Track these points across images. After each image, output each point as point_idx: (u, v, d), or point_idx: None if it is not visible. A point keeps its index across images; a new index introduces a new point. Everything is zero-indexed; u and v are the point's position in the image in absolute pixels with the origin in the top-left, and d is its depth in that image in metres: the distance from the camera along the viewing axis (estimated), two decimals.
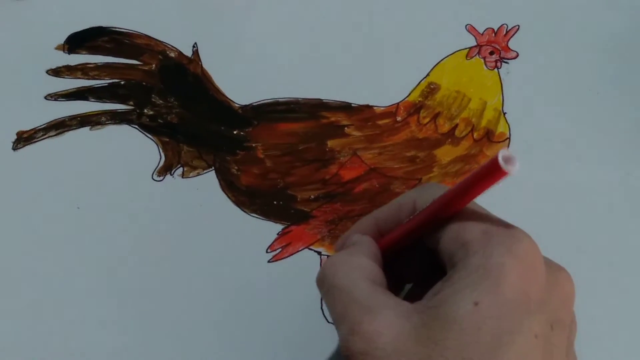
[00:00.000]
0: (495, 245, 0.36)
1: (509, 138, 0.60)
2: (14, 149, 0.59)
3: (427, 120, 0.60)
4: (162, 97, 0.61)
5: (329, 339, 0.53)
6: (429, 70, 0.63)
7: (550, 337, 0.37)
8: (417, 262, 0.44)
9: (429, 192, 0.41)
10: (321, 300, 0.54)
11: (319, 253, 0.56)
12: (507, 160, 0.34)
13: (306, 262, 0.55)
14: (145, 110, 0.61)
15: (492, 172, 0.35)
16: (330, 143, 0.59)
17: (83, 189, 0.57)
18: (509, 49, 0.64)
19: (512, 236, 0.37)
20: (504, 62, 0.64)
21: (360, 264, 0.40)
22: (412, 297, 0.40)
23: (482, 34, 0.65)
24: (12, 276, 0.54)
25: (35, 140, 0.59)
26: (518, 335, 0.35)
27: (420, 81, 0.62)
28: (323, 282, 0.41)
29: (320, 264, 0.55)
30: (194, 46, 0.64)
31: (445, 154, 0.59)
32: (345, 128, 0.60)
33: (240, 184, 0.58)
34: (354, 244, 0.43)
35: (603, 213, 0.58)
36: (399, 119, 0.61)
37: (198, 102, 0.61)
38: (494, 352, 0.35)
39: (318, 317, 0.53)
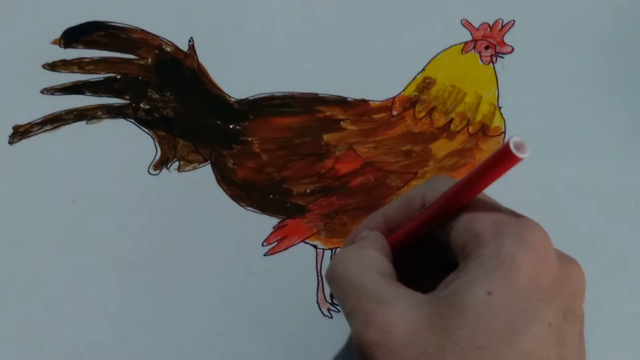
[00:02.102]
0: (507, 235, 0.37)
1: (504, 132, 0.61)
2: (10, 143, 0.59)
3: (422, 114, 0.61)
4: (158, 91, 0.61)
5: (325, 333, 0.53)
6: (424, 64, 0.63)
7: (564, 327, 0.37)
8: (427, 256, 0.44)
9: (438, 185, 0.42)
10: (316, 293, 0.54)
11: (315, 246, 0.56)
12: (518, 146, 0.34)
13: (302, 256, 0.56)
14: (142, 105, 0.61)
15: (505, 159, 0.35)
16: (326, 137, 0.59)
17: (79, 183, 0.57)
18: (505, 43, 0.64)
19: (524, 226, 0.37)
20: (500, 56, 0.64)
21: (370, 257, 0.41)
22: (423, 290, 0.40)
23: (478, 29, 0.65)
24: (8, 270, 0.54)
25: (31, 134, 0.59)
26: (532, 323, 0.36)
27: (416, 76, 0.63)
28: (333, 276, 0.41)
29: (316, 258, 0.55)
30: (190, 41, 0.64)
31: (441, 148, 0.59)
32: (341, 122, 0.60)
33: (236, 178, 0.58)
34: (363, 239, 0.44)
35: (597, 208, 0.58)
36: (394, 113, 0.61)
37: (194, 96, 0.61)
38: (509, 341, 0.35)
39: (314, 311, 0.54)
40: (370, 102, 0.61)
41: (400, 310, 0.37)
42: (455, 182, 0.40)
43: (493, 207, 0.39)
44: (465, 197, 0.39)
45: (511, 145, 0.34)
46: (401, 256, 0.44)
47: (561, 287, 0.38)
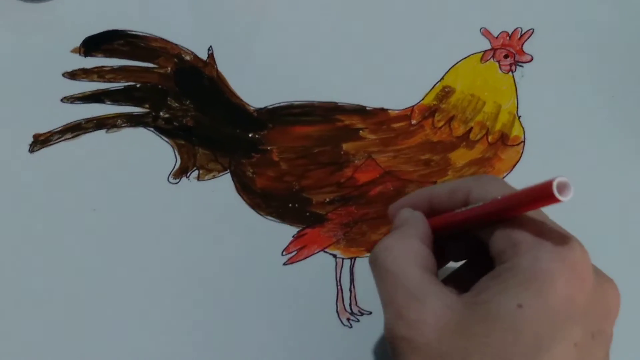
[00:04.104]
0: (546, 250, 0.37)
1: (524, 142, 0.60)
2: (31, 151, 0.59)
3: (441, 123, 0.61)
4: (178, 100, 0.61)
5: (345, 342, 0.53)
6: (443, 73, 0.63)
7: (591, 347, 0.37)
8: (464, 245, 0.44)
9: (486, 186, 0.41)
10: (336, 302, 0.54)
11: (334, 256, 0.56)
12: (563, 187, 0.34)
13: (321, 265, 0.56)
14: (161, 113, 0.61)
15: (545, 198, 0.35)
16: (345, 146, 0.59)
17: (99, 192, 0.58)
18: (524, 52, 0.64)
19: (565, 243, 0.37)
20: (519, 65, 0.64)
21: (412, 249, 0.41)
22: (456, 278, 0.41)
23: (497, 38, 0.65)
24: (29, 278, 0.54)
25: (51, 142, 0.59)
26: (559, 342, 0.36)
27: (435, 84, 0.63)
28: (375, 264, 0.41)
29: (336, 267, 0.55)
30: (209, 49, 0.64)
31: (460, 157, 0.59)
32: (360, 131, 0.60)
33: (255, 187, 0.58)
34: (406, 223, 0.44)
35: (618, 216, 0.58)
36: (413, 122, 0.61)
37: (213, 105, 0.61)
38: (532, 356, 0.35)
39: (333, 320, 0.54)
40: (389, 111, 0.61)
41: (432, 309, 0.38)
42: (504, 186, 0.40)
43: (537, 221, 0.39)
44: (506, 216, 0.39)
45: (554, 186, 0.34)
46: (437, 242, 0.44)
47: (594, 307, 0.37)
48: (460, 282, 0.40)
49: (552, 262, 0.36)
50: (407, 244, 0.41)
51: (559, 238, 0.37)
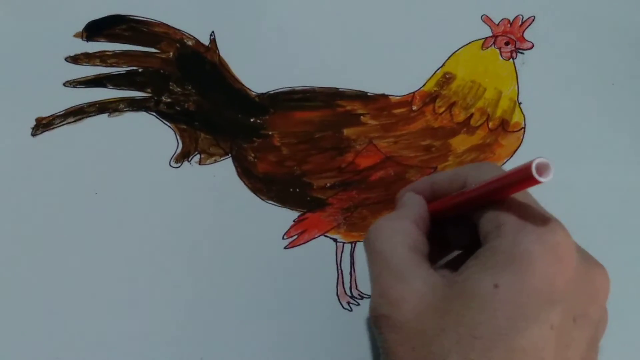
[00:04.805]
0: (527, 232, 0.37)
1: (524, 128, 0.61)
2: (33, 134, 0.59)
3: (442, 109, 0.61)
4: (180, 84, 0.62)
5: (345, 325, 0.53)
6: (444, 60, 0.63)
7: (571, 330, 0.37)
8: (464, 231, 0.44)
9: (480, 172, 0.42)
10: (336, 286, 0.54)
11: (335, 240, 0.56)
12: (543, 167, 0.34)
13: (322, 249, 0.56)
14: (163, 98, 0.61)
15: (525, 179, 0.35)
16: (346, 131, 0.60)
17: (101, 175, 0.58)
18: (525, 39, 0.64)
19: (546, 226, 0.37)
20: (520, 52, 0.64)
21: (402, 229, 0.42)
22: (455, 264, 0.41)
23: (498, 25, 0.65)
24: (31, 261, 0.54)
25: (53, 126, 0.60)
26: (533, 323, 0.36)
27: (436, 71, 0.63)
28: (366, 244, 0.42)
29: (336, 251, 0.56)
30: (211, 34, 0.64)
31: (461, 143, 0.60)
32: (361, 117, 0.60)
33: (256, 171, 0.58)
34: (404, 205, 0.45)
35: (618, 205, 0.58)
36: (414, 108, 0.61)
37: (215, 90, 0.62)
38: (506, 336, 0.36)
39: (334, 303, 0.54)
40: (391, 97, 0.61)
41: (414, 289, 0.39)
42: (497, 172, 0.40)
43: (523, 204, 0.39)
44: (491, 199, 0.39)
45: (533, 168, 0.34)
46: (439, 227, 0.45)
47: (577, 290, 0.37)
48: (458, 267, 0.41)
49: (532, 244, 0.36)
50: (398, 225, 0.42)
51: (541, 221, 0.38)
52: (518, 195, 0.39)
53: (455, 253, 0.47)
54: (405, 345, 0.38)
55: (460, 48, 0.64)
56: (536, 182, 0.34)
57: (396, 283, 0.39)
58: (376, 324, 0.40)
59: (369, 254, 0.42)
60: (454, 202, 0.42)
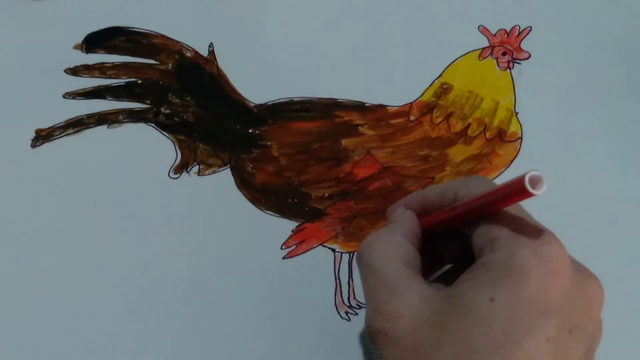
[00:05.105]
0: (521, 245, 0.37)
1: (521, 138, 0.61)
2: (33, 146, 0.60)
3: (439, 119, 0.61)
4: (179, 96, 0.62)
5: (343, 335, 0.53)
6: (441, 70, 0.64)
7: (567, 342, 0.38)
8: (454, 247, 0.45)
9: (471, 186, 0.42)
10: (334, 296, 0.55)
11: (333, 250, 0.56)
12: (536, 181, 0.34)
13: (320, 259, 0.56)
14: (162, 109, 0.61)
15: (519, 192, 0.35)
16: (344, 142, 0.60)
17: (100, 186, 0.58)
18: (522, 49, 0.65)
19: (540, 239, 0.37)
20: (516, 62, 0.64)
21: (395, 244, 0.42)
22: (448, 278, 0.42)
23: (495, 35, 0.65)
24: (30, 272, 0.55)
25: (53, 138, 0.60)
26: (529, 336, 0.36)
27: (434, 81, 0.63)
28: (359, 259, 0.43)
29: (334, 261, 0.56)
30: (210, 46, 0.64)
31: (458, 153, 0.60)
32: (359, 127, 0.61)
33: (255, 182, 0.59)
34: (396, 221, 0.45)
35: (615, 214, 0.59)
36: (412, 118, 0.61)
37: (214, 101, 0.62)
38: (503, 349, 0.36)
39: (332, 313, 0.54)
40: (388, 107, 0.62)
41: (409, 303, 0.39)
42: (489, 186, 0.40)
43: (516, 217, 0.39)
44: (484, 213, 0.39)
45: (526, 181, 0.34)
46: (430, 241, 0.45)
47: (571, 302, 0.38)
48: (451, 281, 0.41)
49: (526, 257, 0.37)
50: (389, 240, 0.42)
51: (535, 233, 0.38)
52: (511, 208, 0.40)
53: (447, 267, 0.47)
54: (402, 359, 0.38)
55: (458, 58, 0.64)
56: (529, 195, 0.35)
57: (391, 298, 0.39)
58: (372, 339, 0.40)
59: (362, 269, 0.42)
60: (445, 217, 0.42)
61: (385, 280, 0.40)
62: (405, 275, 0.40)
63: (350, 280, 0.55)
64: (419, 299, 0.39)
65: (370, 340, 0.40)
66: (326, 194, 0.58)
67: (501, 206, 0.39)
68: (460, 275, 0.39)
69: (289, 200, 0.58)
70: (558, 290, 0.37)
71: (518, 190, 0.35)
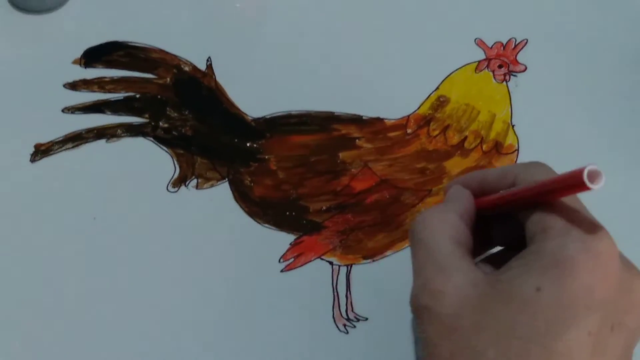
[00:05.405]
0: (572, 237, 0.37)
1: (518, 150, 0.61)
2: (32, 161, 0.60)
3: (436, 132, 0.61)
4: (177, 110, 0.62)
5: (341, 348, 0.54)
6: (438, 83, 0.64)
7: (608, 338, 0.38)
8: (507, 229, 0.45)
9: (531, 171, 0.42)
10: (332, 309, 0.55)
11: (331, 263, 0.57)
12: (593, 175, 0.35)
13: (318, 272, 0.56)
14: (160, 123, 0.62)
15: (576, 185, 0.36)
16: (341, 155, 0.60)
17: (99, 200, 0.58)
18: (518, 62, 0.65)
19: (592, 233, 0.38)
20: (513, 75, 0.64)
21: (448, 221, 0.42)
22: (497, 259, 0.42)
23: (491, 48, 0.66)
24: (29, 286, 0.55)
25: (52, 152, 0.60)
26: (571, 328, 0.36)
27: (430, 94, 0.63)
28: (412, 235, 0.43)
29: (332, 274, 0.56)
30: (207, 60, 0.65)
31: (455, 165, 0.60)
32: (357, 140, 0.61)
33: (253, 195, 0.59)
34: (451, 198, 0.45)
35: (612, 226, 0.59)
36: (409, 131, 0.61)
37: (212, 114, 0.62)
38: (543, 339, 0.36)
39: (330, 326, 0.54)
40: (385, 121, 0.62)
41: (456, 283, 0.39)
42: (547, 172, 0.41)
43: (571, 209, 0.39)
44: (539, 200, 0.40)
45: (585, 174, 0.35)
46: (483, 222, 0.45)
47: (617, 299, 0.38)
48: (500, 263, 0.41)
49: (577, 250, 0.37)
50: (443, 217, 0.42)
51: (588, 227, 0.38)
52: (567, 200, 0.40)
53: (497, 249, 0.47)
54: (444, 337, 0.39)
55: (454, 71, 0.65)
56: (586, 188, 0.35)
57: (438, 275, 0.40)
58: (417, 314, 0.41)
59: (413, 244, 0.42)
60: (501, 200, 0.42)
61: (434, 257, 0.40)
62: (455, 255, 0.40)
63: (348, 293, 0.56)
64: (466, 280, 0.39)
65: (414, 314, 0.41)
66: (324, 207, 0.58)
67: (557, 196, 0.39)
68: (509, 261, 0.39)
69: (287, 213, 0.58)
70: (604, 286, 0.37)
71: (575, 183, 0.35)
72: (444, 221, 0.42)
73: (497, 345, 0.37)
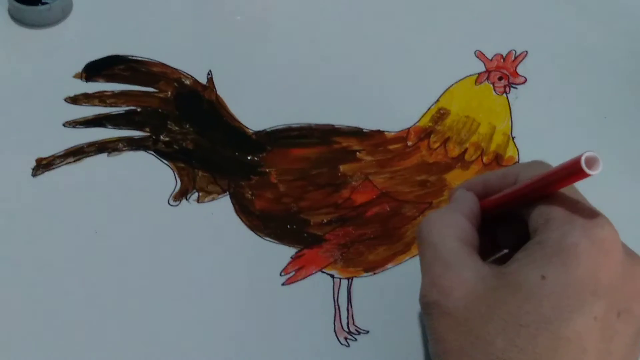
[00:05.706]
0: (575, 226, 0.38)
1: (518, 162, 0.61)
2: (34, 175, 0.60)
3: (437, 144, 0.61)
4: (178, 123, 0.62)
5: None
6: (438, 95, 0.64)
7: (614, 324, 0.39)
8: (512, 230, 0.46)
9: (532, 169, 0.43)
10: (334, 322, 0.55)
11: (332, 276, 0.57)
12: (591, 162, 0.36)
13: (319, 285, 0.56)
14: (161, 137, 0.62)
15: (574, 172, 0.37)
16: (342, 168, 0.60)
17: (101, 214, 0.58)
18: (518, 74, 0.65)
19: (594, 221, 0.39)
20: (513, 87, 0.65)
21: (454, 222, 0.43)
22: (503, 261, 0.42)
23: (491, 60, 0.66)
24: (31, 300, 0.55)
25: (54, 166, 0.60)
26: (578, 314, 0.37)
27: (431, 106, 0.64)
28: (419, 235, 0.44)
29: (333, 287, 0.56)
30: (208, 73, 0.65)
31: (456, 177, 0.60)
32: (357, 153, 0.61)
33: (254, 209, 0.59)
34: (457, 200, 0.46)
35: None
36: (409, 143, 0.62)
37: (213, 128, 0.62)
38: (551, 325, 0.37)
39: (331, 339, 0.54)
40: (386, 133, 0.62)
41: (464, 278, 0.40)
42: (547, 168, 0.42)
43: (572, 200, 0.40)
44: (541, 193, 0.41)
45: (582, 161, 0.35)
46: (489, 225, 0.46)
47: (621, 285, 0.39)
48: (506, 262, 0.42)
49: (579, 238, 0.38)
50: (449, 218, 0.44)
51: (589, 215, 0.39)
52: (567, 191, 0.41)
53: (504, 251, 0.48)
54: (453, 330, 0.40)
55: (454, 83, 0.65)
56: (585, 175, 0.36)
57: (446, 272, 0.41)
58: (426, 310, 0.42)
59: (421, 244, 0.44)
60: (504, 198, 0.44)
61: (442, 255, 0.42)
62: (462, 252, 0.42)
63: (349, 306, 0.56)
64: (474, 275, 0.40)
65: (423, 311, 0.42)
66: (325, 220, 0.58)
67: (558, 186, 0.40)
68: (515, 254, 0.41)
69: (288, 226, 0.58)
70: (608, 272, 0.38)
71: (574, 170, 0.36)
72: (450, 221, 0.44)
73: (505, 334, 0.38)
